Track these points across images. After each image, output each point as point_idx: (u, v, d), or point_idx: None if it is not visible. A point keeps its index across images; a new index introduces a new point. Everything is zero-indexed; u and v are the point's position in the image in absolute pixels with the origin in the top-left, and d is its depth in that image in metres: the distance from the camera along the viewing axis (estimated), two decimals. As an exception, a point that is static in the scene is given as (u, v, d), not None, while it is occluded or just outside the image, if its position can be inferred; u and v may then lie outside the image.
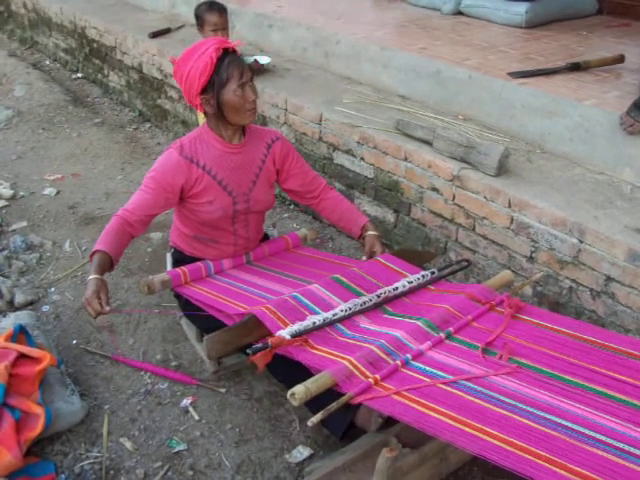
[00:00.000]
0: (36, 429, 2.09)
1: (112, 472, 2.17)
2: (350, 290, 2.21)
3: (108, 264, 2.18)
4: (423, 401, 1.62)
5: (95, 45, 5.93)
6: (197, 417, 2.40)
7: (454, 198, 2.94)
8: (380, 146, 3.25)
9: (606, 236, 2.41)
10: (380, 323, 2.05)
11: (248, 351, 1.84)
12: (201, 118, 4.07)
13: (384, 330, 1.97)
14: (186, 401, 2.46)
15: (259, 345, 1.84)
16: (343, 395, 1.66)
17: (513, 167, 2.87)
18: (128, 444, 2.28)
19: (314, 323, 1.96)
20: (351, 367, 1.75)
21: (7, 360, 2.20)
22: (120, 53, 5.52)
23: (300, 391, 1.65)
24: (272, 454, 2.26)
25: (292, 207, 3.98)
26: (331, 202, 2.62)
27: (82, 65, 6.36)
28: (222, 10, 3.78)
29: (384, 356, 1.82)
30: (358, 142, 3.37)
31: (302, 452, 2.25)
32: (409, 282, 2.23)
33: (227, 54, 2.22)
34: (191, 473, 2.18)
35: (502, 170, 2.81)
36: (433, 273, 2.30)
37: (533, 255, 2.68)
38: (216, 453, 2.26)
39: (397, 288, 2.20)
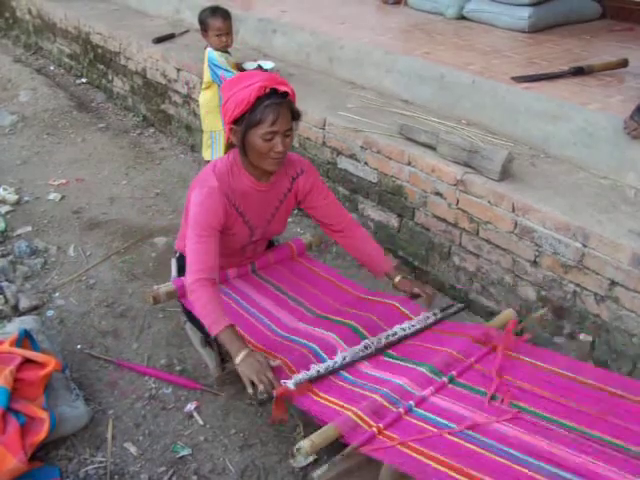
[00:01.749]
0: (41, 434, 2.09)
1: (116, 477, 2.17)
2: (354, 331, 2.20)
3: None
4: (426, 451, 1.62)
5: (99, 50, 5.96)
6: (201, 422, 2.40)
7: (458, 203, 2.95)
8: (384, 151, 3.25)
9: (610, 240, 2.41)
10: (383, 368, 2.03)
11: (254, 402, 1.85)
12: (206, 123, 4.10)
13: (387, 377, 1.96)
14: (190, 406, 2.47)
15: (264, 397, 1.85)
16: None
17: (517, 171, 2.87)
18: (132, 449, 2.28)
19: (318, 372, 1.97)
20: (355, 418, 1.75)
21: (12, 365, 2.20)
22: (124, 58, 5.54)
23: (306, 445, 1.67)
24: (276, 459, 2.26)
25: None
26: (354, 241, 2.50)
27: (86, 70, 6.38)
28: (226, 15, 3.80)
29: (388, 405, 1.82)
30: (362, 147, 3.37)
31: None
32: (411, 325, 2.20)
33: (273, 95, 2.08)
34: (195, 478, 2.18)
35: (506, 174, 2.81)
36: (435, 314, 2.27)
37: (537, 259, 2.68)
38: (220, 458, 2.26)
39: (396, 333, 2.17)
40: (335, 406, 1.83)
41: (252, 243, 2.46)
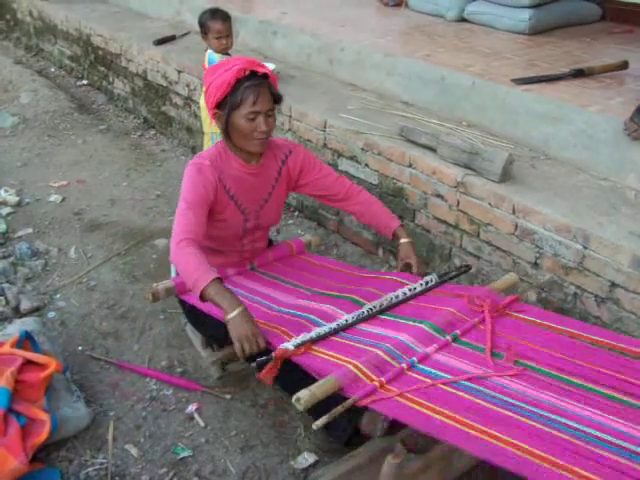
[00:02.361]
0: (42, 435, 2.09)
1: (117, 478, 2.17)
2: (355, 303, 2.21)
3: None
4: (427, 403, 1.61)
5: (100, 52, 5.96)
6: (202, 423, 2.40)
7: (458, 204, 2.95)
8: (384, 152, 3.26)
9: (610, 242, 2.41)
10: (383, 326, 2.04)
11: (252, 365, 1.84)
12: (206, 125, 4.09)
13: (388, 333, 1.96)
14: (191, 407, 2.47)
15: (263, 358, 1.82)
16: (348, 399, 1.66)
17: (517, 173, 2.88)
18: (133, 450, 2.28)
19: (318, 334, 1.96)
20: (356, 371, 1.75)
21: (13, 366, 2.21)
22: (125, 60, 5.54)
23: (305, 395, 1.64)
24: (277, 460, 2.26)
25: (297, 214, 3.99)
26: (359, 206, 2.51)
27: (87, 72, 6.39)
28: (225, 17, 3.81)
29: (389, 359, 1.81)
30: (362, 148, 3.38)
31: (307, 458, 2.25)
32: (410, 289, 2.22)
33: (252, 77, 2.13)
34: (196, 479, 2.18)
35: (506, 176, 2.82)
36: (432, 280, 2.28)
37: (537, 261, 2.68)
38: (221, 459, 2.26)
39: (398, 296, 2.19)
40: (335, 359, 1.82)
41: (248, 234, 2.46)
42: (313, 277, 2.53)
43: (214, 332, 2.35)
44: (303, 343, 1.91)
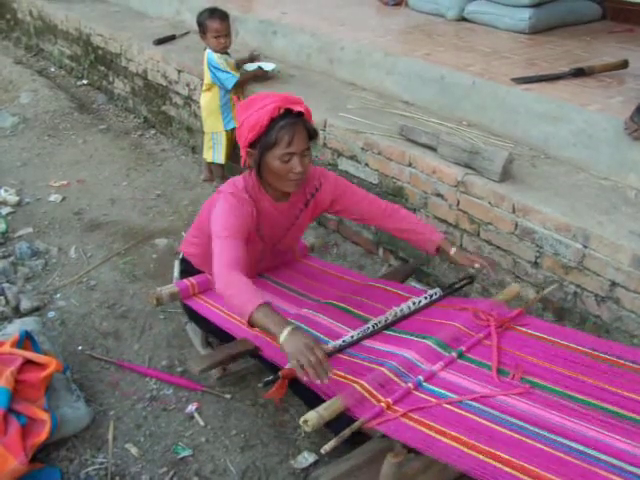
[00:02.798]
0: (42, 435, 2.10)
1: (117, 478, 2.17)
2: (360, 319, 2.21)
3: None
4: (433, 424, 1.61)
5: (100, 52, 5.96)
6: (202, 423, 2.40)
7: (458, 204, 2.95)
8: (384, 152, 3.26)
9: (611, 241, 2.41)
10: (389, 342, 2.03)
11: (259, 385, 1.81)
12: (207, 125, 4.10)
13: (394, 350, 1.95)
14: (191, 407, 2.47)
15: (270, 378, 1.80)
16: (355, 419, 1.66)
17: (517, 172, 2.88)
18: (133, 450, 2.28)
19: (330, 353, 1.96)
20: (362, 391, 1.75)
21: (13, 366, 2.21)
22: (125, 60, 5.54)
23: (313, 417, 1.63)
24: (277, 460, 2.26)
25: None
26: (397, 224, 2.41)
27: (87, 72, 6.39)
28: (224, 17, 3.83)
29: (395, 378, 1.81)
30: (362, 148, 3.38)
31: (307, 458, 2.25)
32: (415, 303, 2.22)
33: (287, 115, 2.03)
34: (196, 479, 2.19)
35: (506, 175, 2.81)
36: (436, 294, 2.28)
37: (538, 260, 2.68)
38: (221, 459, 2.26)
39: (403, 310, 2.19)
40: (342, 379, 1.82)
41: (265, 258, 2.46)
42: (318, 285, 2.54)
43: (213, 327, 2.36)
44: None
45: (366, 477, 1.89)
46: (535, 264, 2.70)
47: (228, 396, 2.52)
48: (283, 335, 1.73)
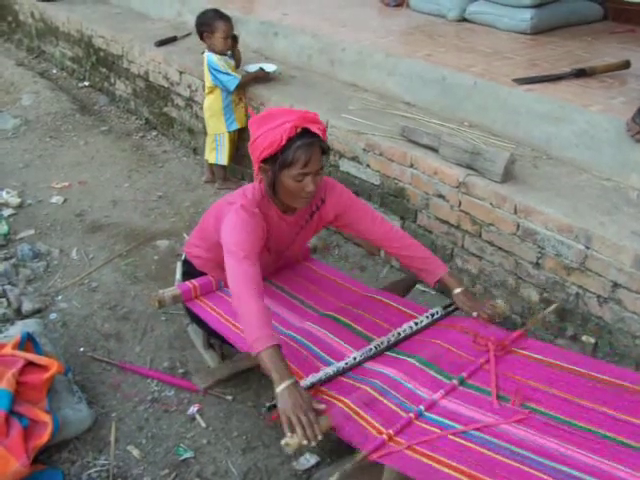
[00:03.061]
0: (44, 437, 2.09)
1: (119, 480, 2.17)
2: (360, 336, 2.22)
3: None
4: (434, 455, 1.61)
5: (102, 54, 5.97)
6: (204, 425, 2.40)
7: (460, 205, 2.94)
8: (386, 153, 3.25)
9: (613, 242, 2.40)
10: (390, 365, 2.03)
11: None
12: (210, 126, 4.11)
13: (396, 376, 1.95)
14: (193, 409, 2.47)
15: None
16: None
17: (519, 173, 2.87)
18: (135, 452, 2.28)
19: (327, 374, 1.97)
20: (364, 423, 1.76)
21: (15, 368, 2.21)
22: (127, 61, 5.55)
23: (294, 443, 1.68)
24: (279, 461, 2.26)
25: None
26: (400, 252, 2.39)
27: (89, 73, 6.39)
28: (229, 18, 3.86)
29: (397, 409, 1.82)
30: (364, 149, 3.37)
31: (309, 459, 2.25)
32: (416, 323, 2.23)
33: (304, 135, 2.02)
34: (198, 480, 2.18)
35: (508, 176, 2.81)
36: (437, 313, 2.29)
37: (539, 261, 2.68)
38: (223, 461, 2.26)
39: (405, 330, 2.19)
40: (343, 406, 1.82)
41: (270, 267, 2.47)
42: (320, 293, 2.55)
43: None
44: (312, 385, 1.92)
45: (368, 479, 1.89)
46: (537, 265, 2.69)
47: (230, 398, 2.52)
48: (281, 387, 1.77)
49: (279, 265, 2.59)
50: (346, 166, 3.54)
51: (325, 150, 2.12)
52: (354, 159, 3.47)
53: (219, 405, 2.50)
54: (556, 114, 3.04)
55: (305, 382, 1.92)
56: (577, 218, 2.54)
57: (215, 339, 2.61)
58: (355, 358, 2.05)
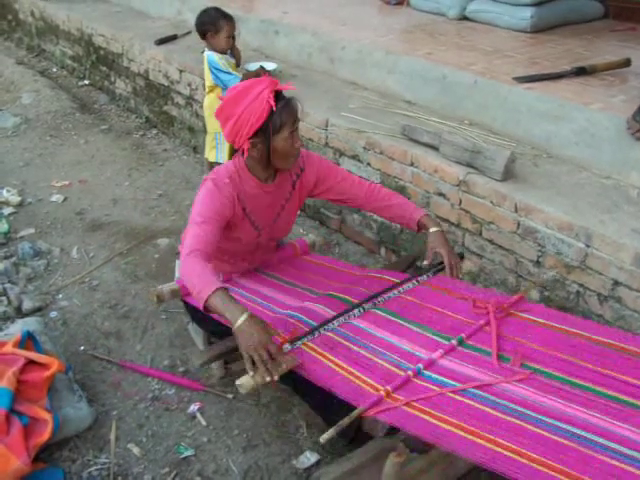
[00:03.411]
0: (44, 435, 2.10)
1: (120, 478, 2.17)
2: (345, 302, 2.22)
3: None
4: (433, 412, 1.61)
5: (102, 52, 5.96)
6: (204, 423, 2.40)
7: (460, 203, 2.94)
8: (386, 151, 3.25)
9: (613, 240, 2.40)
10: (384, 327, 2.03)
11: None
12: (210, 124, 4.09)
13: (390, 339, 1.95)
14: (193, 407, 2.47)
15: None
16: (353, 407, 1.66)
17: (519, 172, 2.87)
18: (136, 450, 2.28)
19: (313, 328, 1.98)
20: (359, 382, 1.75)
21: (15, 366, 2.21)
22: (127, 60, 5.54)
23: (248, 383, 1.71)
24: (280, 460, 2.26)
25: (299, 213, 3.97)
26: (378, 203, 2.43)
27: (89, 72, 6.39)
28: (232, 17, 3.86)
29: (394, 369, 1.81)
30: (364, 147, 3.37)
31: (309, 458, 2.25)
32: (406, 280, 2.25)
33: (279, 98, 2.10)
34: (199, 479, 2.18)
35: (508, 175, 2.81)
36: (427, 274, 2.30)
37: (540, 260, 2.68)
38: (223, 459, 2.26)
39: (391, 289, 2.21)
40: (339, 369, 1.81)
41: (260, 247, 2.46)
42: (316, 277, 2.54)
43: (216, 328, 2.35)
44: (299, 339, 1.91)
45: (368, 477, 1.89)
46: (537, 263, 2.69)
47: (230, 396, 2.52)
48: (238, 323, 1.76)
49: (271, 250, 2.58)
50: (346, 164, 3.54)
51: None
52: (354, 157, 3.47)
53: (220, 403, 2.50)
54: (556, 112, 3.04)
55: (296, 343, 1.90)
56: (577, 216, 2.54)
57: (215, 338, 2.61)
58: (341, 314, 2.06)
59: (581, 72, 3.36)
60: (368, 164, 3.40)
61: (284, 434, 2.36)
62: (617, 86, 3.25)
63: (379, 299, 2.16)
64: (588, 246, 2.48)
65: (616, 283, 2.43)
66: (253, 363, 1.74)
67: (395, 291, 2.21)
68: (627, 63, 3.42)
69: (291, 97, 2.15)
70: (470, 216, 2.92)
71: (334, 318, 2.04)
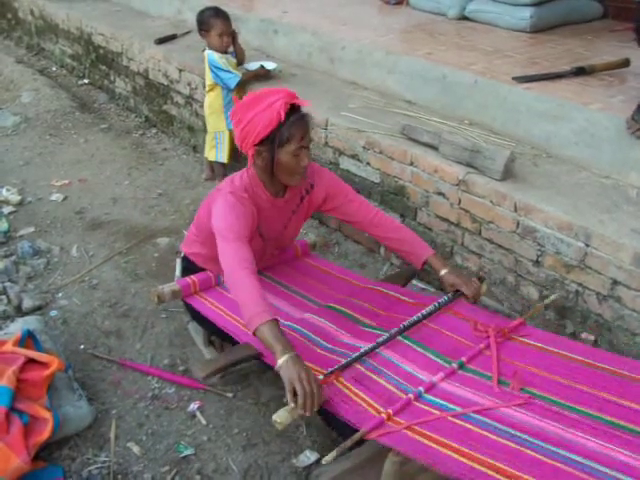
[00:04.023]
0: (44, 434, 2.10)
1: (120, 477, 2.17)
2: (360, 324, 2.23)
3: None
4: (434, 436, 1.62)
5: (101, 51, 5.96)
6: (204, 422, 2.41)
7: (460, 202, 2.95)
8: (386, 151, 3.26)
9: (612, 240, 2.41)
10: (390, 349, 2.03)
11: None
12: (210, 124, 4.11)
13: (394, 360, 1.96)
14: (193, 406, 2.47)
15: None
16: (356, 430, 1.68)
17: (519, 171, 2.87)
18: (135, 449, 2.28)
19: (342, 364, 1.95)
20: (364, 405, 1.76)
21: (15, 365, 2.21)
22: (126, 59, 5.54)
23: (284, 418, 1.71)
24: (279, 458, 2.26)
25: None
26: (387, 235, 2.42)
27: (88, 71, 6.39)
28: (227, 16, 3.86)
29: (396, 391, 1.82)
30: (364, 147, 3.38)
31: (309, 456, 2.25)
32: (422, 314, 2.20)
33: (293, 111, 2.08)
34: (198, 478, 2.19)
35: (508, 174, 2.81)
36: (442, 301, 2.27)
37: (539, 259, 2.68)
38: (223, 458, 2.27)
39: (410, 322, 2.16)
40: (339, 385, 1.83)
41: (264, 255, 2.46)
42: (319, 286, 2.55)
43: (215, 327, 2.36)
44: (332, 372, 1.90)
45: (368, 475, 1.89)
46: (537, 263, 2.70)
47: (230, 395, 2.53)
48: (283, 358, 1.78)
49: (275, 257, 2.59)
50: (346, 164, 3.54)
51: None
52: (354, 157, 3.47)
53: (219, 402, 2.50)
54: (556, 112, 3.04)
55: (328, 371, 1.91)
56: (577, 216, 2.54)
57: (215, 336, 2.62)
58: (366, 349, 2.02)
59: (580, 72, 3.36)
60: (368, 164, 3.40)
61: (284, 433, 2.36)
62: (616, 86, 3.26)
63: (394, 333, 2.11)
64: (587, 246, 2.49)
65: (615, 283, 2.43)
66: (294, 395, 1.73)
67: (420, 315, 2.17)
68: (626, 63, 3.42)
69: (306, 113, 2.12)
70: (470, 215, 2.93)
71: (366, 352, 1.99)
